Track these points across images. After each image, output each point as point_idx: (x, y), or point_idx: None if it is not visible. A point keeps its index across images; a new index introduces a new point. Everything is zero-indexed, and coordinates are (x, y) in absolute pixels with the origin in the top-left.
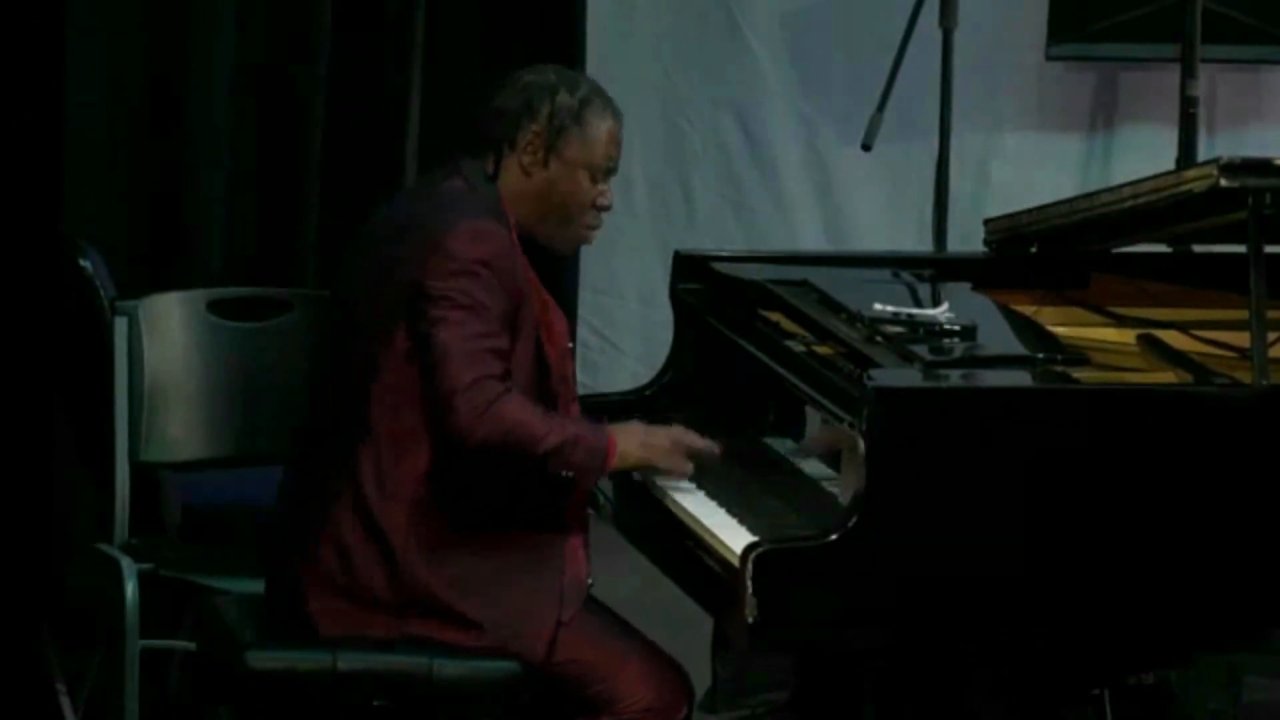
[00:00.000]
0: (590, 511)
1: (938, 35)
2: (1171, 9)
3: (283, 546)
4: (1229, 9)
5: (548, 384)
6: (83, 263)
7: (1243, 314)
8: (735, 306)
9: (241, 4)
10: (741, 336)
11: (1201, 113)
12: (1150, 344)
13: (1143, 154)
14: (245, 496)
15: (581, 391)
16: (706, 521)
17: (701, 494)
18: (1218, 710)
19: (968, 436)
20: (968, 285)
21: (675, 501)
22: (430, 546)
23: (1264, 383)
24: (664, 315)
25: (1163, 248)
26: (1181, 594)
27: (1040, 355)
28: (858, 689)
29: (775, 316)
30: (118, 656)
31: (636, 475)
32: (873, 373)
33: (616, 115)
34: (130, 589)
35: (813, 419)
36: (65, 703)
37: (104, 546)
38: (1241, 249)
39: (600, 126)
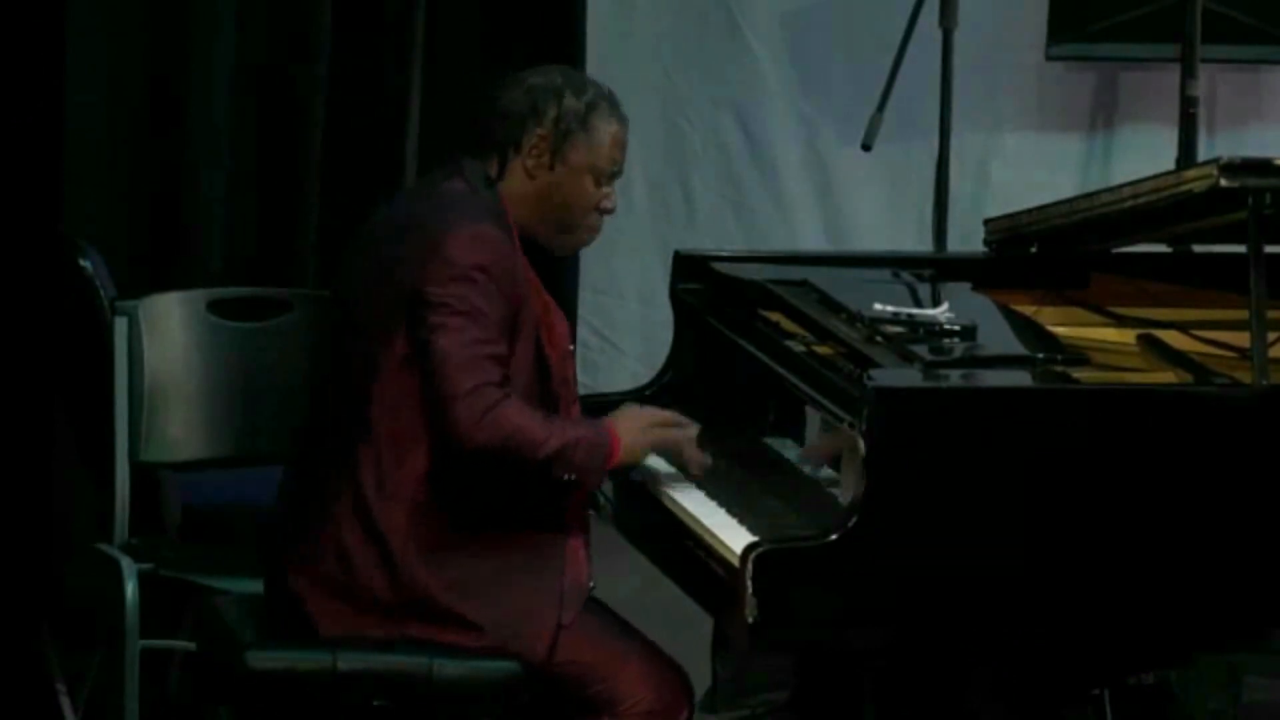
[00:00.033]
0: (590, 512)
1: (938, 35)
2: (1171, 9)
3: (282, 547)
4: (1229, 9)
5: (548, 386)
6: (83, 263)
7: (1243, 314)
8: (735, 306)
9: (241, 4)
10: (741, 336)
11: (1201, 113)
12: (1150, 344)
13: (1143, 154)
14: (245, 496)
15: (581, 391)
16: (706, 521)
17: (701, 494)
18: (1218, 710)
19: (968, 436)
20: (968, 285)
21: (675, 501)
22: (430, 548)
23: (1264, 383)
24: (664, 315)
25: (1163, 248)
26: (1181, 594)
27: (1040, 355)
28: (858, 689)
29: (775, 316)
30: (118, 656)
31: (636, 475)
32: (873, 373)
33: (622, 119)
34: (130, 589)
35: (813, 419)
36: (65, 703)
37: (104, 546)
38: (1241, 249)
39: (605, 130)
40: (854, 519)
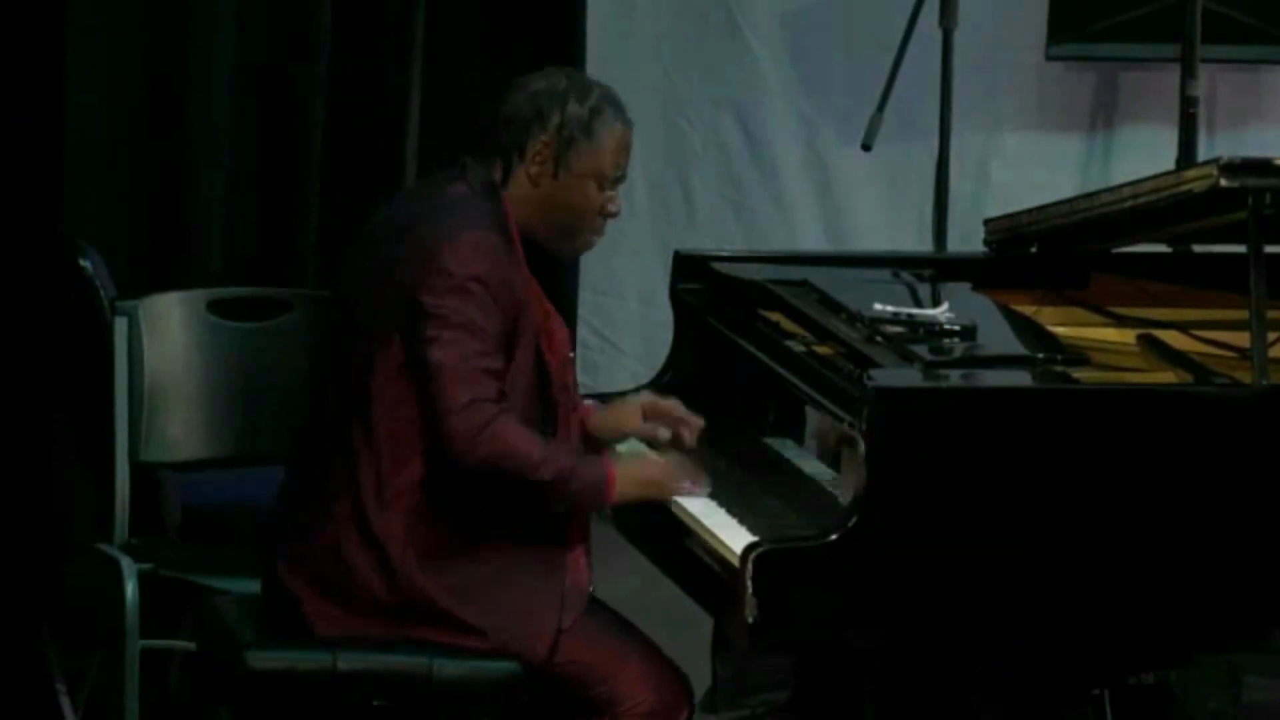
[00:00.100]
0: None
1: (938, 35)
2: (1171, 9)
3: (280, 547)
4: (1229, 9)
5: (548, 393)
6: (83, 263)
7: (1243, 314)
8: (735, 306)
9: (241, 4)
10: (741, 336)
11: (1201, 113)
12: (1150, 344)
13: (1143, 154)
14: (245, 496)
15: (581, 392)
16: (706, 521)
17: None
18: (1218, 710)
19: (968, 436)
20: (968, 285)
21: (675, 501)
22: (429, 554)
23: (1264, 383)
24: (664, 315)
25: (1163, 248)
26: (1181, 594)
27: (1040, 355)
28: (858, 689)
29: (775, 316)
30: (118, 656)
31: None
32: (873, 373)
33: (626, 123)
34: (130, 589)
35: (813, 419)
36: (65, 703)
37: (104, 546)
38: (1241, 249)
39: (609, 135)
40: (854, 519)
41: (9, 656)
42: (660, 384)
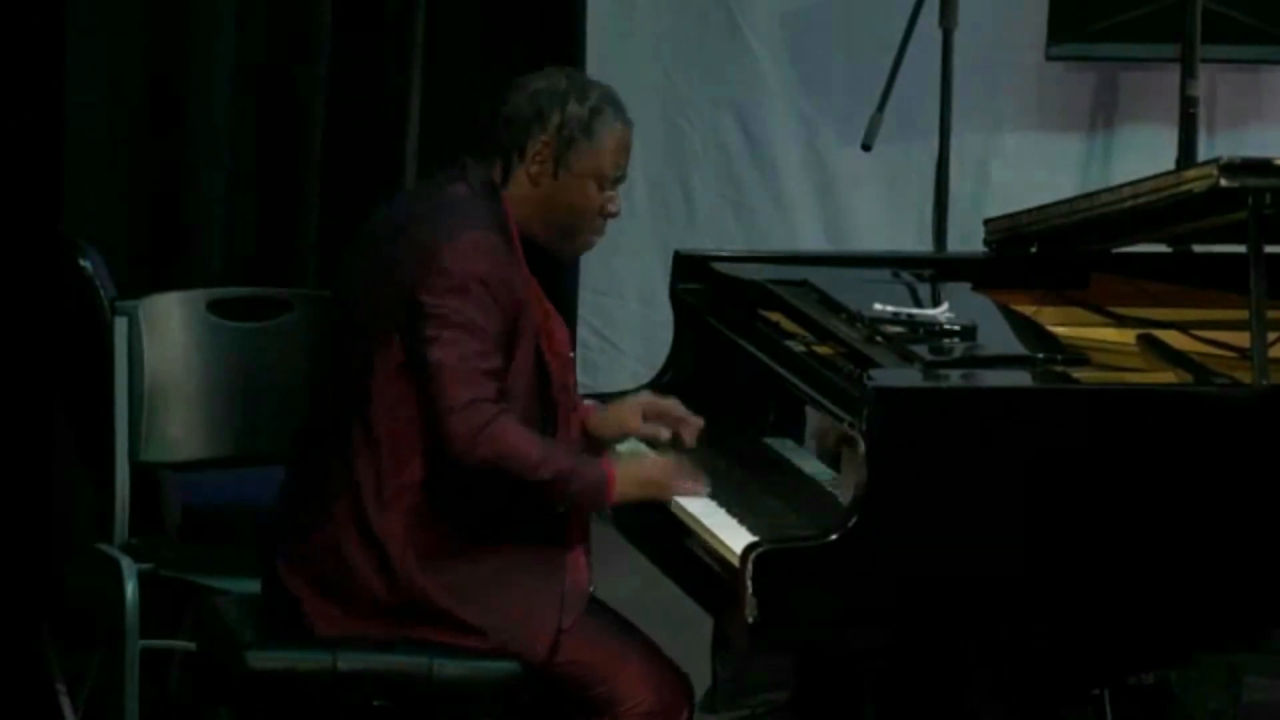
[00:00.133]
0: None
1: (938, 35)
2: (1171, 9)
3: (280, 547)
4: (1229, 9)
5: (548, 393)
6: (83, 263)
7: (1243, 314)
8: (735, 306)
9: (241, 4)
10: (741, 336)
11: (1201, 113)
12: (1150, 344)
13: (1143, 154)
14: (245, 496)
15: (581, 392)
16: (706, 521)
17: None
18: (1218, 710)
19: (968, 436)
20: (968, 285)
21: (675, 501)
22: (428, 554)
23: (1264, 383)
24: (664, 315)
25: (1163, 248)
26: (1181, 594)
27: (1040, 355)
28: (858, 689)
29: (775, 316)
30: (118, 656)
31: None
32: (873, 373)
33: (626, 123)
34: (130, 589)
35: (813, 419)
36: (65, 703)
37: (104, 546)
38: (1241, 249)
39: (609, 135)
40: (854, 519)
41: (9, 656)
42: (660, 384)
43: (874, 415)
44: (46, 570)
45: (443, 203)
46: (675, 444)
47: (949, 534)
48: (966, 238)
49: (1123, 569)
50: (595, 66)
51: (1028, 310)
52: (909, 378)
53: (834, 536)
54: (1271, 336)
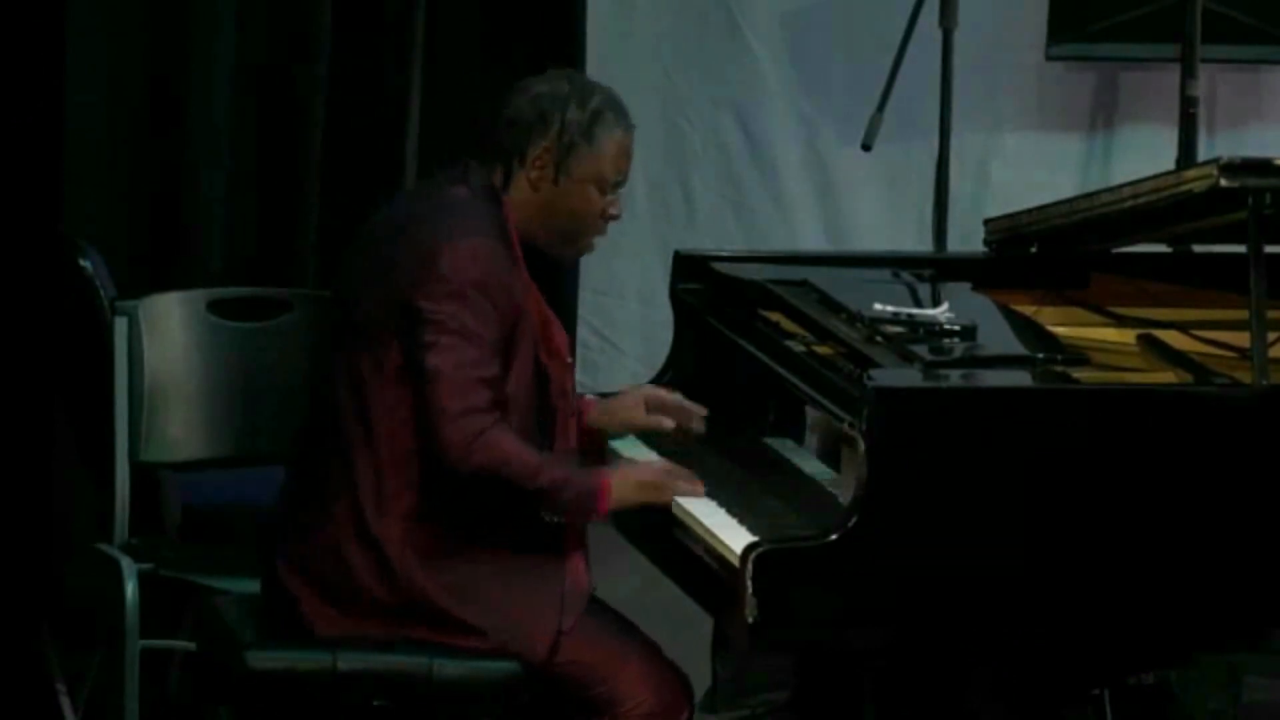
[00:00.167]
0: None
1: (938, 35)
2: (1171, 9)
3: (279, 547)
4: (1229, 9)
5: (547, 399)
6: (83, 263)
7: (1243, 314)
8: (735, 306)
9: (241, 4)
10: (741, 336)
11: (1201, 113)
12: (1150, 344)
13: (1143, 154)
14: (245, 496)
15: (581, 392)
16: (706, 521)
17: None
18: (1218, 710)
19: (968, 436)
20: (968, 285)
21: (675, 501)
22: (428, 555)
23: (1264, 383)
24: (664, 315)
25: (1163, 248)
26: (1181, 594)
27: (1040, 355)
28: (858, 689)
29: (775, 316)
30: (118, 656)
31: None
32: (873, 373)
33: (628, 126)
34: (130, 589)
35: (813, 419)
36: (65, 703)
37: (104, 546)
38: (1241, 249)
39: (610, 140)
40: (854, 519)
41: (9, 656)
42: (660, 384)
43: (874, 415)
44: (46, 570)
45: (443, 203)
46: (684, 435)
47: (949, 534)
48: (966, 238)
49: (1123, 569)
50: (595, 66)
51: (1028, 310)
52: (909, 378)
53: (834, 536)
54: (1271, 336)
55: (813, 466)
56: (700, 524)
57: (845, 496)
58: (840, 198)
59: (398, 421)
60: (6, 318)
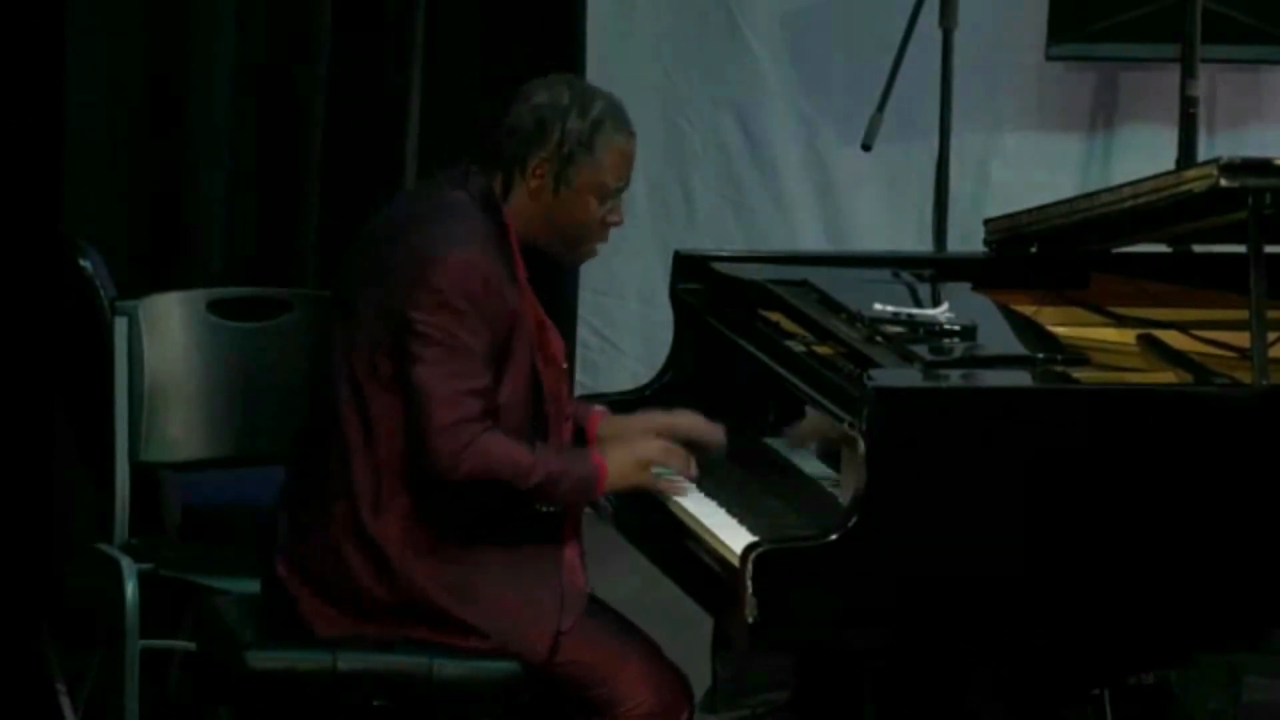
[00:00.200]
0: (589, 513)
1: (938, 35)
2: (1171, 9)
3: (281, 549)
4: (1229, 9)
5: (541, 406)
6: (83, 263)
7: (1243, 314)
8: (735, 306)
9: (241, 4)
10: (741, 336)
11: (1201, 113)
12: (1150, 344)
13: (1143, 154)
14: (245, 496)
15: (581, 392)
16: (706, 521)
17: (701, 494)
18: (1218, 710)
19: (968, 436)
20: (968, 285)
21: (675, 501)
22: (427, 555)
23: (1264, 383)
24: (664, 315)
25: (1163, 248)
26: (1181, 594)
27: (1040, 355)
28: (858, 689)
29: (775, 316)
30: (118, 656)
31: None
32: (873, 373)
33: (628, 135)
34: (130, 589)
35: (813, 419)
36: (65, 703)
37: (104, 546)
38: (1241, 249)
39: (611, 149)
40: (854, 519)
41: (9, 656)
42: (660, 384)
43: (874, 415)
44: (46, 570)
45: (442, 203)
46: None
47: (949, 534)
48: (966, 238)
49: (1123, 569)
50: (595, 66)
51: (1028, 310)
52: (909, 378)
53: (834, 536)
54: (1271, 336)
55: (813, 466)
56: (700, 524)
57: (845, 496)
58: (840, 198)
59: (396, 422)
60: (6, 318)
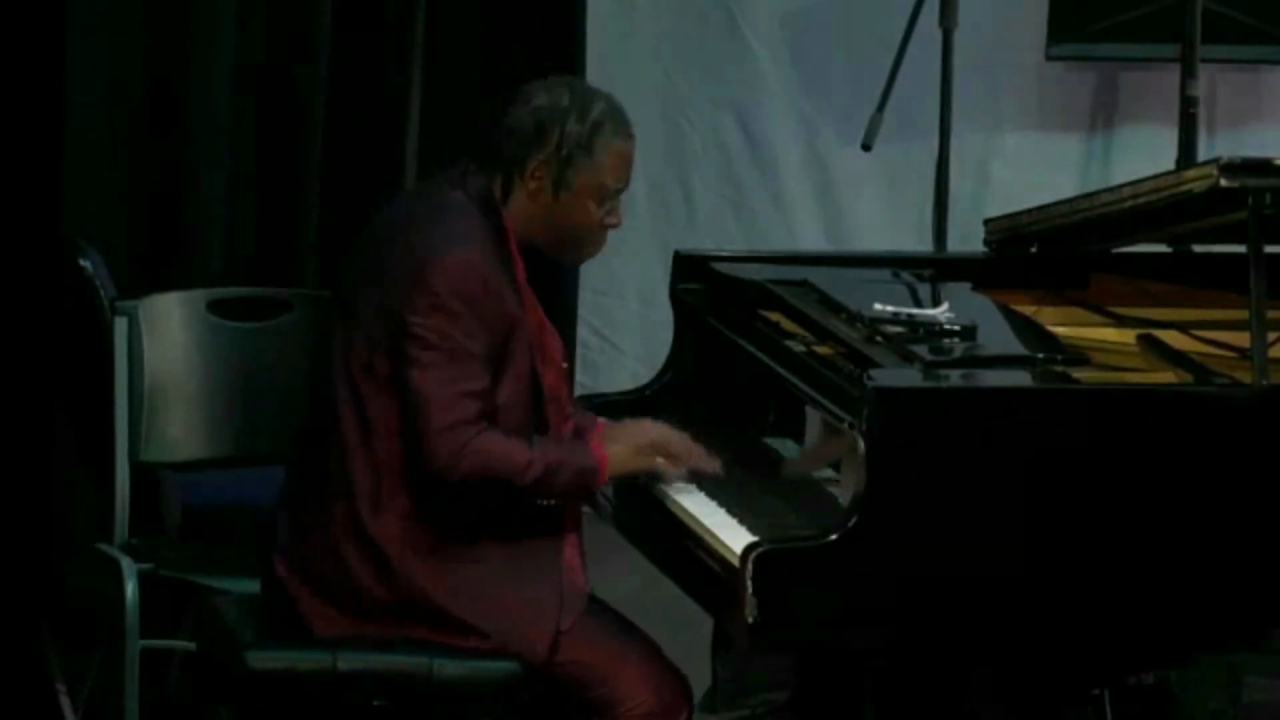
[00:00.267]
0: (589, 513)
1: (938, 35)
2: (1171, 9)
3: (281, 549)
4: (1229, 9)
5: (540, 407)
6: (83, 263)
7: (1243, 314)
8: (735, 306)
9: (241, 4)
10: (741, 336)
11: (1201, 113)
12: (1150, 344)
13: (1143, 154)
14: (245, 496)
15: (581, 392)
16: (706, 521)
17: (701, 494)
18: (1218, 710)
19: (968, 436)
20: (968, 285)
21: (675, 501)
22: (427, 555)
23: (1264, 383)
24: (664, 315)
25: (1163, 248)
26: (1181, 594)
27: (1040, 355)
28: (858, 689)
29: (775, 316)
30: (118, 656)
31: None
32: (873, 373)
33: (628, 137)
34: (130, 589)
35: (813, 419)
36: (65, 703)
37: (104, 546)
38: (1241, 249)
39: (610, 151)
40: (854, 519)
41: (9, 656)
42: (660, 384)
43: (874, 415)
44: (46, 570)
45: (441, 204)
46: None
47: (949, 534)
48: (966, 238)
49: (1122, 569)
50: (595, 66)
51: (1028, 310)
52: (909, 378)
53: (834, 536)
54: (1271, 336)
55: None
56: (700, 524)
57: (845, 496)
58: (840, 198)
59: (395, 422)
60: (6, 318)
